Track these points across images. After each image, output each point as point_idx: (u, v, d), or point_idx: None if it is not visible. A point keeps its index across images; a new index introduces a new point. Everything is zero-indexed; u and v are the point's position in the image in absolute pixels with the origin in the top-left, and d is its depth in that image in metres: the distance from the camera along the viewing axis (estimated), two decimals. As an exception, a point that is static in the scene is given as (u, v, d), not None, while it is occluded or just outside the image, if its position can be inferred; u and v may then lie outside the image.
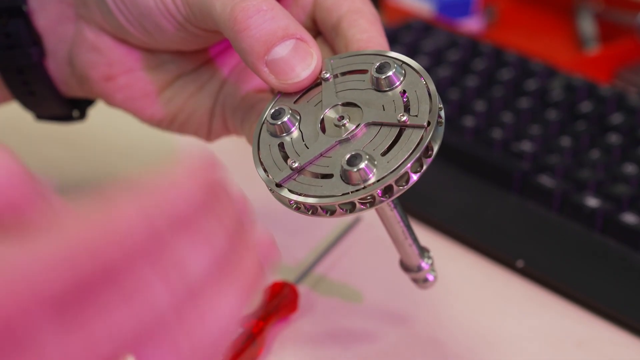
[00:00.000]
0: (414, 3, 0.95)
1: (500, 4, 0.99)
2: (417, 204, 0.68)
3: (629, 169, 0.66)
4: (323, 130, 0.44)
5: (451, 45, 0.83)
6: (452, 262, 0.64)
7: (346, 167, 0.41)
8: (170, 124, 0.54)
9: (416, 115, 0.42)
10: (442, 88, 0.77)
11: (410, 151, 0.41)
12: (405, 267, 0.51)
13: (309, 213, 0.42)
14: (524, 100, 0.75)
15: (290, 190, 0.42)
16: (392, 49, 0.82)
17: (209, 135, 0.54)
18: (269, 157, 0.44)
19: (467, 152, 0.70)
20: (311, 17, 0.50)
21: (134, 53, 0.52)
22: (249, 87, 0.52)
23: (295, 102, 0.45)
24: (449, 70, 0.79)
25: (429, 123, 0.42)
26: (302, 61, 0.44)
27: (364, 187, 0.41)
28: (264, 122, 0.45)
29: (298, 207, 0.42)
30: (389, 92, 0.44)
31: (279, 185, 0.43)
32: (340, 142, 0.43)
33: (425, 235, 0.66)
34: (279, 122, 0.44)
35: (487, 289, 0.61)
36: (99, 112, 0.62)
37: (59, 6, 0.53)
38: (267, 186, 0.43)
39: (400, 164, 0.41)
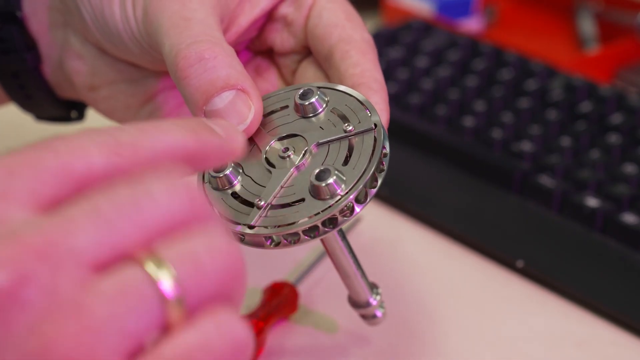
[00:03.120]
0: (413, 3, 0.95)
1: (500, 4, 0.99)
2: (417, 204, 0.68)
3: (629, 169, 0.66)
4: (272, 167, 0.43)
5: (451, 45, 0.83)
6: (452, 262, 0.64)
7: (317, 182, 0.41)
8: None
9: (359, 122, 0.43)
10: (442, 88, 0.77)
11: (370, 154, 0.42)
12: (353, 302, 0.51)
13: (292, 243, 0.42)
14: (524, 100, 0.75)
15: (265, 227, 0.42)
16: (392, 49, 0.82)
17: None
18: (228, 209, 0.43)
19: (467, 152, 0.70)
20: (302, 44, 0.50)
21: (116, 65, 0.52)
22: None
23: None
24: (449, 70, 0.79)
25: (375, 125, 0.43)
26: (238, 115, 0.43)
27: (346, 194, 0.41)
28: (204, 181, 0.44)
29: (277, 243, 0.42)
30: (319, 115, 0.44)
31: (251, 227, 0.42)
32: (297, 168, 0.43)
33: (425, 236, 0.66)
34: (223, 175, 0.43)
35: (487, 289, 0.61)
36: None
37: (48, 12, 0.53)
38: (237, 235, 0.42)
39: (367, 166, 0.41)
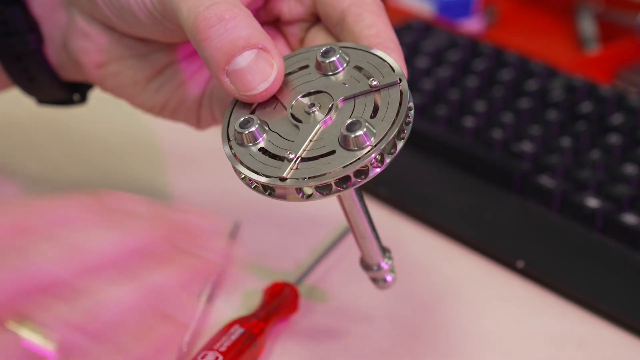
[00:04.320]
0: (414, 3, 0.95)
1: (501, 5, 0.99)
2: (417, 205, 0.68)
3: (629, 169, 0.66)
4: (298, 122, 0.44)
5: (451, 46, 0.83)
6: (452, 262, 0.64)
7: (347, 133, 0.41)
8: (160, 111, 0.54)
9: (383, 77, 0.44)
10: (443, 88, 0.77)
11: (398, 106, 0.42)
12: (365, 265, 0.51)
13: (324, 194, 0.42)
14: (524, 100, 0.75)
15: (297, 179, 0.42)
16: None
17: (199, 123, 0.55)
18: (256, 163, 0.43)
19: (468, 152, 0.70)
20: (310, 11, 0.50)
21: (124, 40, 0.52)
22: None
23: (252, 113, 0.45)
24: (449, 71, 0.79)
25: (400, 79, 0.43)
26: (261, 74, 0.44)
27: (376, 145, 0.41)
28: (229, 139, 0.45)
29: (308, 195, 0.42)
30: (341, 73, 0.45)
31: (283, 180, 0.42)
32: (324, 122, 0.43)
33: (425, 236, 0.66)
34: (248, 132, 0.44)
35: (487, 290, 0.61)
36: (97, 112, 0.62)
37: None
38: (268, 187, 0.43)
39: (396, 119, 0.42)
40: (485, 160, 0.69)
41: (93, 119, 0.59)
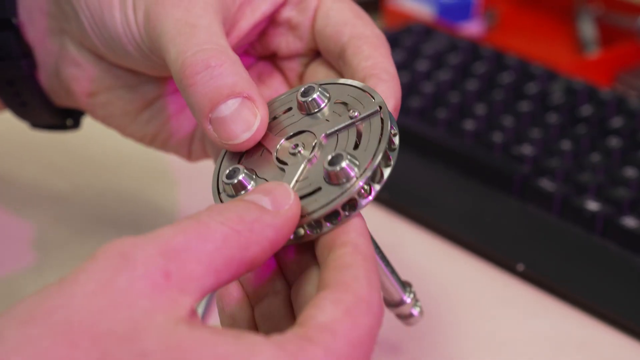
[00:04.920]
0: (414, 6, 0.95)
1: (501, 8, 0.99)
2: (418, 208, 0.68)
3: (629, 172, 0.66)
4: (284, 164, 0.44)
5: (452, 49, 0.83)
6: (452, 265, 0.64)
7: (330, 168, 0.41)
8: (151, 142, 0.54)
9: (364, 107, 0.44)
10: (443, 91, 0.77)
11: (380, 134, 0.42)
12: (387, 302, 0.50)
13: (315, 233, 0.41)
14: (524, 103, 0.75)
15: None
16: (393, 52, 0.82)
17: (190, 156, 0.55)
18: None
19: (468, 155, 0.70)
20: (309, 46, 0.50)
21: (114, 71, 0.52)
22: None
23: (239, 162, 0.45)
24: (450, 74, 0.79)
25: (380, 107, 0.43)
26: (244, 123, 0.43)
27: (361, 175, 0.41)
28: (219, 191, 0.44)
29: (300, 236, 0.42)
30: (323, 110, 0.45)
31: None
32: (309, 161, 0.43)
33: (426, 239, 0.66)
34: (237, 181, 0.43)
35: (487, 293, 0.61)
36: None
37: (45, 20, 0.53)
38: None
39: (378, 146, 0.42)
40: (486, 163, 0.69)
41: (94, 124, 0.59)
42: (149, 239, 0.34)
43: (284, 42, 0.51)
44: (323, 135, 0.43)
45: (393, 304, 0.50)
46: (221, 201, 0.44)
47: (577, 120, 0.73)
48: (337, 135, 0.43)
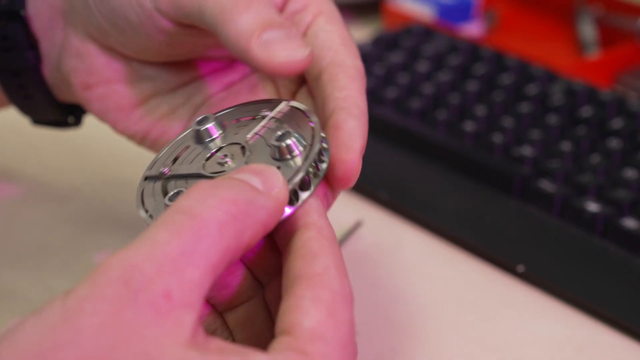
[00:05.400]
0: (414, 8, 0.95)
1: (501, 9, 0.99)
2: (417, 209, 0.68)
3: (630, 173, 0.66)
4: (207, 159, 0.43)
5: (451, 50, 0.83)
6: (452, 267, 0.64)
7: (279, 143, 0.41)
8: (141, 140, 0.54)
9: (270, 108, 0.44)
10: (443, 93, 0.77)
11: (307, 119, 0.43)
12: None
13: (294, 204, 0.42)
14: (524, 104, 0.75)
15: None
16: (393, 53, 0.83)
17: None
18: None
19: (468, 156, 0.70)
20: None
21: (115, 64, 0.52)
22: None
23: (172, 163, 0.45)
24: (450, 75, 0.79)
25: (287, 101, 0.44)
26: (298, 44, 0.43)
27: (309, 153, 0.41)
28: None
29: None
30: (217, 140, 0.44)
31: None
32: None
33: (426, 240, 0.66)
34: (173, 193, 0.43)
35: (487, 294, 0.61)
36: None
37: (49, 12, 0.53)
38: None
39: (314, 130, 0.42)
40: (486, 165, 0.69)
41: (97, 125, 0.59)
42: (145, 254, 0.35)
43: None
44: (249, 135, 0.43)
45: None
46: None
47: (577, 122, 0.73)
48: (261, 132, 0.43)
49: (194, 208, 0.36)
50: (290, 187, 0.40)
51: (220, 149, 0.44)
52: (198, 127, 0.44)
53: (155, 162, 0.45)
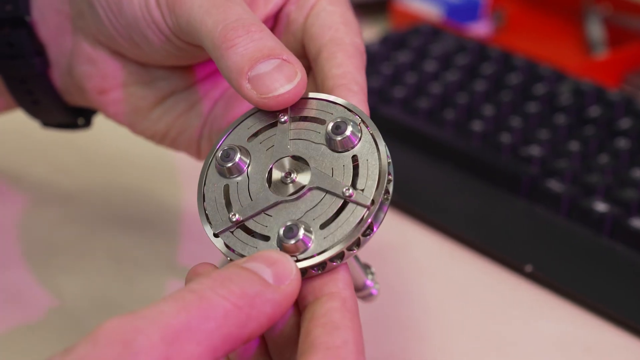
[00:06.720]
0: (422, 7, 0.95)
1: (509, 9, 0.99)
2: (425, 209, 0.68)
3: (638, 173, 0.66)
4: (269, 182, 0.43)
5: (459, 50, 0.83)
6: (460, 266, 0.64)
7: (282, 238, 0.40)
8: (161, 139, 0.54)
9: (362, 190, 0.41)
10: (451, 92, 0.77)
11: (350, 230, 0.41)
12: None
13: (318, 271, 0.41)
14: (532, 104, 0.75)
15: (226, 245, 0.42)
16: (401, 53, 0.83)
17: (199, 154, 0.55)
18: (213, 202, 0.43)
19: (476, 156, 0.70)
20: (301, 43, 0.50)
21: (128, 67, 0.52)
22: (236, 112, 0.52)
23: (248, 140, 0.44)
24: (457, 75, 0.79)
25: (372, 202, 0.41)
26: (285, 77, 0.43)
27: (297, 261, 0.40)
28: (211, 160, 0.44)
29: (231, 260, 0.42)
30: (342, 154, 0.43)
31: (216, 236, 0.42)
32: (284, 202, 0.42)
33: (434, 240, 0.66)
34: (228, 165, 0.43)
35: (495, 294, 0.61)
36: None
37: (57, 18, 0.53)
38: (207, 234, 0.43)
39: (336, 243, 0.41)
40: (493, 165, 0.69)
41: (103, 124, 0.59)
42: (150, 321, 0.35)
43: (284, 39, 0.50)
44: (312, 187, 0.42)
45: (357, 289, 0.50)
46: (206, 176, 0.43)
47: (585, 121, 0.73)
48: (324, 195, 0.42)
49: (204, 292, 0.36)
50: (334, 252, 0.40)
51: (269, 172, 0.43)
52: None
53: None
